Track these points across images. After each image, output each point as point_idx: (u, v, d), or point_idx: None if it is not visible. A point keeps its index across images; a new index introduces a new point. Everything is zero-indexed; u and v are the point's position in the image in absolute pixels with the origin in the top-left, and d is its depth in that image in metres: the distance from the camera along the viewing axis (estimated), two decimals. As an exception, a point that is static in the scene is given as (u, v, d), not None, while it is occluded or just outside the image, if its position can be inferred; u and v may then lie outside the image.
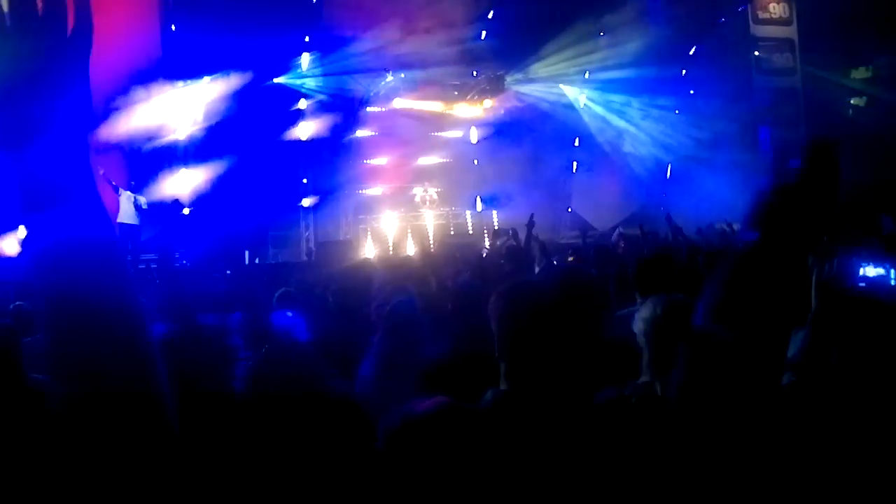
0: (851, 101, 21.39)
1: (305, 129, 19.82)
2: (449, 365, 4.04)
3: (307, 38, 19.31)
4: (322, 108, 20.00)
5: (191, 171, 17.89)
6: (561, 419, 2.43)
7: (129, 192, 15.76)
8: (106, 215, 1.19)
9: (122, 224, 15.68)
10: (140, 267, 14.81)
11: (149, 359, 1.15)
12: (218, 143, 17.67)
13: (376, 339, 4.38)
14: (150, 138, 17.57)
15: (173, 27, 17.92)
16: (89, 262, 1.12)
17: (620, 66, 21.24)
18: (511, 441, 2.26)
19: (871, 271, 2.95)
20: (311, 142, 19.97)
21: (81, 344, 1.10)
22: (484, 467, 1.91)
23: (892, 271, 2.89)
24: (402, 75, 20.31)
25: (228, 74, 17.86)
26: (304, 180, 19.97)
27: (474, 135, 22.18)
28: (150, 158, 17.56)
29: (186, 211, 17.75)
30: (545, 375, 2.53)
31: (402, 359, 4.24)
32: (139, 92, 17.48)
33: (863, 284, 2.93)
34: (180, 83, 17.97)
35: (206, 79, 18.02)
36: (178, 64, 17.88)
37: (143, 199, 15.91)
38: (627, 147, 22.73)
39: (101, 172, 15.75)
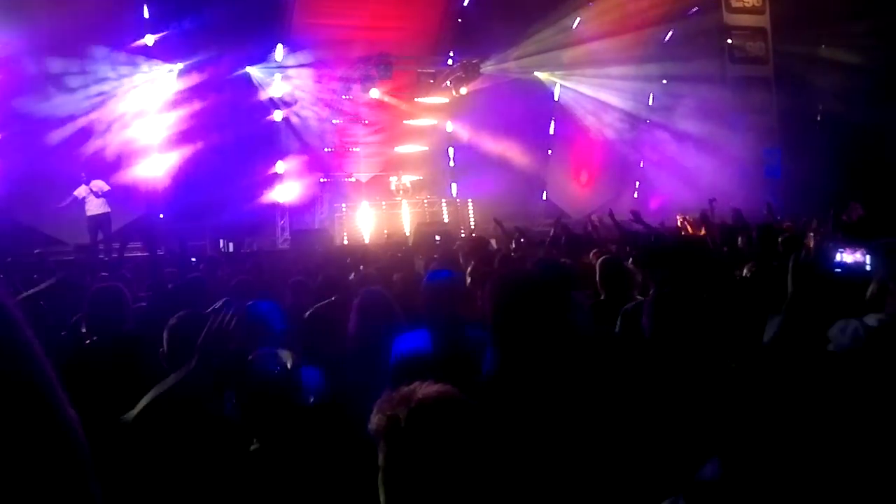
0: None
1: (279, 115, 19.84)
2: (424, 357, 4.08)
3: (280, 29, 19.20)
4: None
5: (163, 158, 17.84)
6: (550, 403, 2.47)
7: (85, 186, 15.52)
8: None
9: (91, 217, 15.54)
10: (113, 256, 14.65)
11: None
12: (190, 132, 17.59)
13: (349, 327, 4.41)
14: (123, 126, 17.50)
15: (146, 14, 17.72)
16: None
17: (595, 57, 21.34)
18: (506, 423, 2.30)
19: (847, 257, 3.00)
20: (286, 129, 19.95)
21: None
22: (482, 450, 1.92)
23: (868, 257, 2.94)
24: (377, 64, 20.23)
25: (201, 62, 17.77)
26: (281, 168, 19.86)
27: (450, 124, 22.22)
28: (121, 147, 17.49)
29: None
30: (535, 357, 2.57)
31: (373, 345, 4.27)
32: (110, 80, 17.41)
33: (839, 270, 2.97)
34: (152, 70, 17.85)
35: (179, 65, 17.92)
36: (150, 51, 17.74)
37: (100, 183, 15.61)
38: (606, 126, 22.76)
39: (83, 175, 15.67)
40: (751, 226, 9.28)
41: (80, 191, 15.50)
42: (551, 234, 10.99)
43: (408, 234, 17.13)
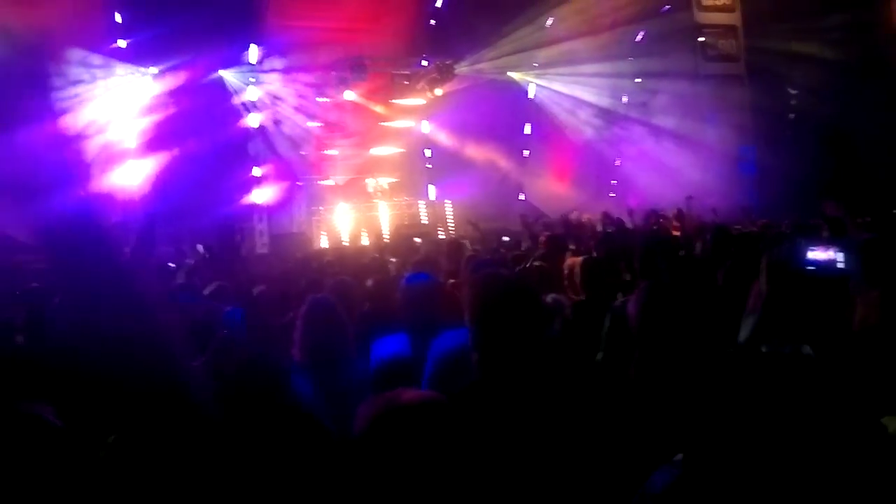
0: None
1: (254, 119, 19.71)
2: (403, 362, 4.07)
3: (254, 32, 19.09)
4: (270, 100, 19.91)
5: (139, 163, 17.71)
6: (535, 408, 2.47)
7: None
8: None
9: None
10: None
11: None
12: (166, 136, 17.46)
13: (294, 336, 4.36)
14: (97, 131, 17.33)
15: (118, 18, 17.59)
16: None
17: (569, 57, 21.43)
18: (488, 430, 2.30)
19: (820, 255, 3.03)
20: (262, 133, 19.85)
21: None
22: (465, 455, 1.92)
23: (841, 254, 2.97)
24: (351, 66, 20.19)
25: (175, 66, 17.66)
26: (258, 172, 19.80)
27: (426, 126, 22.22)
28: (97, 152, 17.34)
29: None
30: (517, 363, 2.57)
31: (324, 351, 4.23)
32: (84, 83, 17.27)
33: (812, 267, 3.00)
34: (126, 74, 17.73)
35: (153, 70, 17.81)
36: (124, 55, 17.62)
37: None
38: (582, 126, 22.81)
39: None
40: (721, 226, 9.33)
41: None
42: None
43: (386, 236, 17.12)
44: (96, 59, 17.28)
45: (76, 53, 16.93)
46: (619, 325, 4.33)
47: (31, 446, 2.34)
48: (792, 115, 21.54)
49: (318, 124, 20.82)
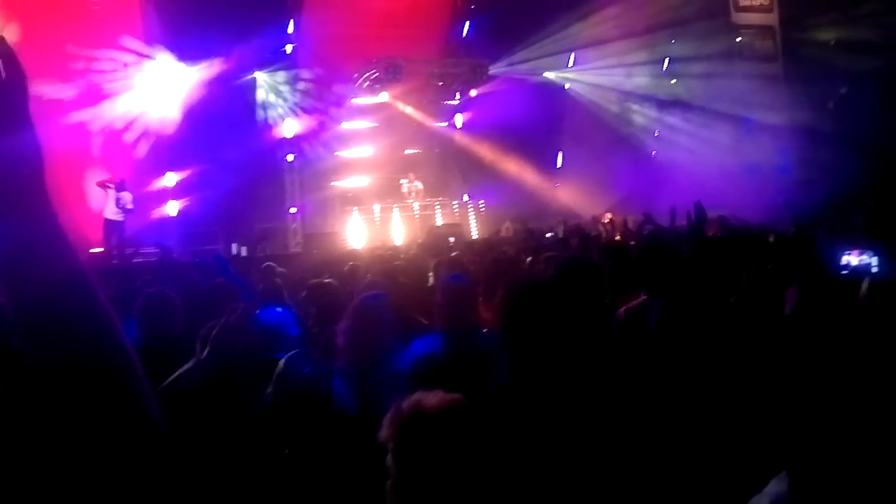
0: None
1: (290, 122, 19.83)
2: (438, 362, 4.08)
3: (290, 30, 19.23)
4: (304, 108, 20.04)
5: (176, 169, 17.93)
6: (563, 410, 2.48)
7: (113, 190, 15.70)
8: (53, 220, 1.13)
9: (107, 220, 15.71)
10: (135, 260, 14.76)
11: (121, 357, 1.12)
12: (202, 138, 17.59)
13: (343, 333, 4.34)
14: (132, 127, 17.54)
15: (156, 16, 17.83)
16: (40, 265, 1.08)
17: (604, 55, 21.40)
18: (514, 433, 2.32)
19: (854, 259, 3.02)
20: (296, 136, 19.98)
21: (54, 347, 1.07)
22: (491, 459, 1.92)
23: (875, 259, 2.96)
24: (386, 67, 20.26)
25: (210, 64, 17.81)
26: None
27: (459, 120, 22.21)
28: (137, 156, 17.62)
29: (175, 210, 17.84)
30: (548, 367, 2.58)
31: (370, 352, 4.21)
32: (121, 79, 17.51)
33: (845, 272, 2.99)
34: (162, 71, 17.91)
35: (192, 69, 17.97)
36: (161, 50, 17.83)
37: (128, 197, 15.81)
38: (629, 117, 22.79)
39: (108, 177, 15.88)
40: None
41: (110, 192, 15.69)
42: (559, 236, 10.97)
43: (418, 236, 17.16)
44: (139, 48, 17.46)
45: (120, 41, 17.17)
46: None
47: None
48: (830, 118, 21.15)
49: (353, 126, 20.95)
